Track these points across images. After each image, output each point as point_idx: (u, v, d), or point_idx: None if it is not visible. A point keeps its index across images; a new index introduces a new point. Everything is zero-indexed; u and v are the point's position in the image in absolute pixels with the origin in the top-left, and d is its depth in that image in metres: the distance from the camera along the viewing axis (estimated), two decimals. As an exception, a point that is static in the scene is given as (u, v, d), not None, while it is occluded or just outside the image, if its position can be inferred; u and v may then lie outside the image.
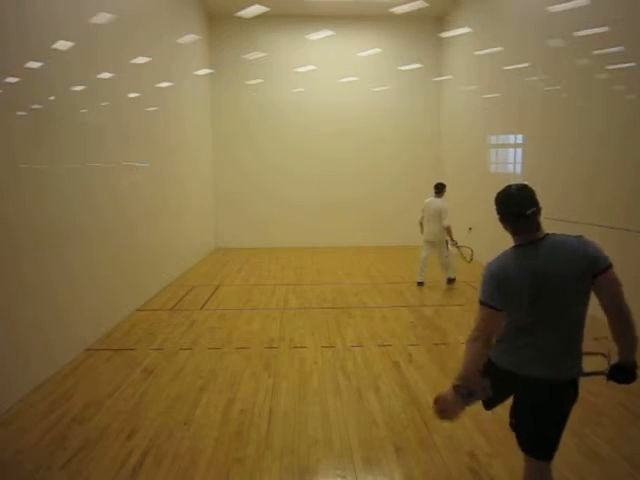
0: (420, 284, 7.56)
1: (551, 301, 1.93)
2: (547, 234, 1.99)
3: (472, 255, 6.91)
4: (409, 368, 4.31)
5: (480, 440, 3.10)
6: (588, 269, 1.90)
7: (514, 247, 2.03)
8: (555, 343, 1.98)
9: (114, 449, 3.05)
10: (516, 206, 1.97)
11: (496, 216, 2.07)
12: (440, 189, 7.38)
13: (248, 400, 3.71)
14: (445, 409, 2.00)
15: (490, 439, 3.11)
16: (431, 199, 7.41)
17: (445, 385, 3.89)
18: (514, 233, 2.02)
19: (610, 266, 1.91)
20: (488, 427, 3.24)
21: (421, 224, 7.51)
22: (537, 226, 1.98)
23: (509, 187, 2.03)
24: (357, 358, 4.57)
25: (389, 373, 4.21)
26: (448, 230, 7.11)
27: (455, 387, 1.97)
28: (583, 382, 2.07)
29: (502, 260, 2.01)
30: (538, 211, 1.97)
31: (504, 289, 1.93)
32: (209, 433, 3.23)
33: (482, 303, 1.97)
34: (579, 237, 1.97)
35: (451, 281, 7.54)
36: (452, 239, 7.11)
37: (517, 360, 2.04)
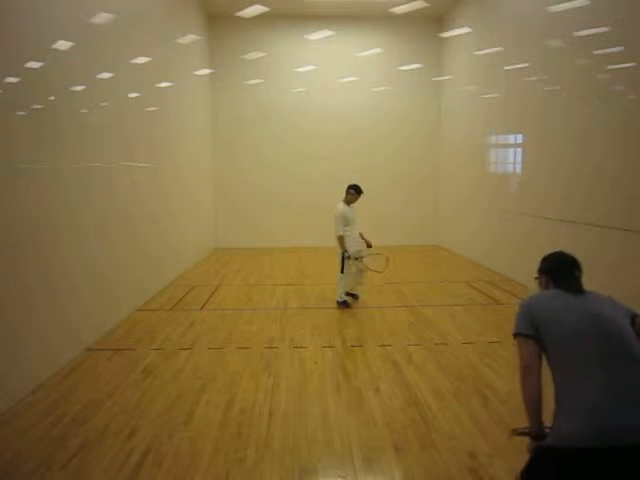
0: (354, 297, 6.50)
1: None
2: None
3: (387, 261, 6.38)
4: (409, 368, 4.31)
5: (480, 440, 3.10)
6: None
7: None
8: None
9: (114, 449, 3.05)
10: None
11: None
12: (359, 190, 6.24)
13: (248, 400, 3.71)
14: None
15: (490, 439, 3.10)
16: (345, 206, 6.21)
17: (444, 385, 3.92)
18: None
19: None
20: (488, 427, 3.23)
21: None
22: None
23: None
24: (357, 358, 4.57)
25: (389, 373, 4.20)
26: (341, 240, 6.00)
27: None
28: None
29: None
30: None
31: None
32: (209, 433, 3.23)
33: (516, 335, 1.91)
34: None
35: (343, 304, 6.27)
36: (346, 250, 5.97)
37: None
